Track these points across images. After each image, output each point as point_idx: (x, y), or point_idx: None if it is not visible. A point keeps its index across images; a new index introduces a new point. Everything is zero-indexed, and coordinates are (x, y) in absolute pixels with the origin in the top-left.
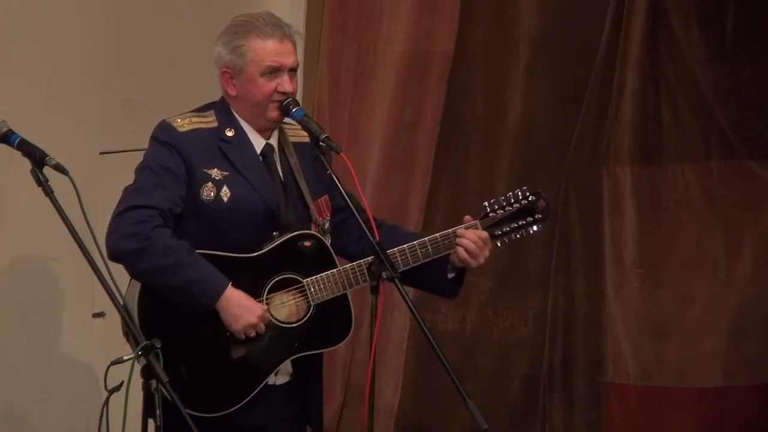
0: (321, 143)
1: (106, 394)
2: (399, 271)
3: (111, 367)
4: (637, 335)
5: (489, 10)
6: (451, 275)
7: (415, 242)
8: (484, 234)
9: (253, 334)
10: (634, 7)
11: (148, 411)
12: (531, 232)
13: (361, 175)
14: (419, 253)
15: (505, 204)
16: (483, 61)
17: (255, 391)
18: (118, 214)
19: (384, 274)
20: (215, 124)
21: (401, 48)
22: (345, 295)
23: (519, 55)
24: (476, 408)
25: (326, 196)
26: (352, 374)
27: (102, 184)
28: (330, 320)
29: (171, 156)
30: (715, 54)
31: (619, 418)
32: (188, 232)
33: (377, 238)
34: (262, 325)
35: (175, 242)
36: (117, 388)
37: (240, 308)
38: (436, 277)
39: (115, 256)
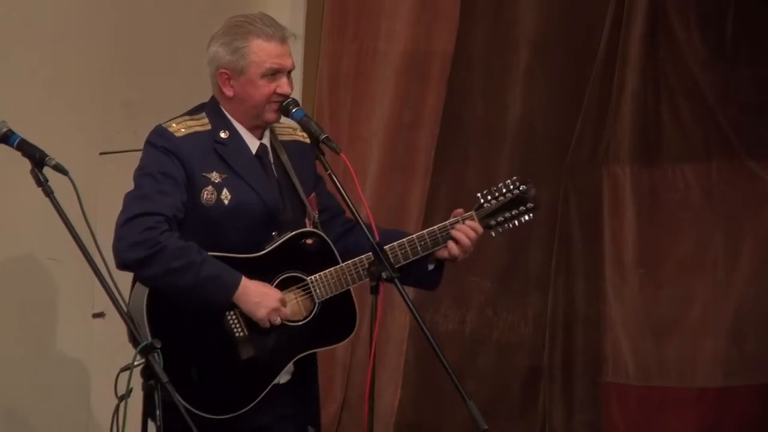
0: (321, 143)
1: (105, 394)
2: (397, 266)
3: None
4: (636, 335)
5: (489, 11)
6: (431, 266)
7: (414, 235)
8: (479, 227)
9: (278, 320)
10: (634, 7)
11: (147, 412)
12: (523, 220)
13: (361, 175)
14: (418, 247)
15: (497, 194)
16: (483, 61)
17: (265, 392)
18: (124, 223)
19: (384, 275)
20: (209, 127)
21: (401, 48)
22: (348, 291)
23: (519, 55)
24: (476, 408)
25: (314, 193)
26: (352, 374)
27: (102, 185)
28: (335, 317)
29: (171, 162)
30: (716, 54)
31: (619, 418)
32: (189, 236)
33: (377, 238)
34: (285, 309)
35: (184, 244)
36: (127, 395)
37: (259, 296)
38: (417, 270)
39: (124, 264)
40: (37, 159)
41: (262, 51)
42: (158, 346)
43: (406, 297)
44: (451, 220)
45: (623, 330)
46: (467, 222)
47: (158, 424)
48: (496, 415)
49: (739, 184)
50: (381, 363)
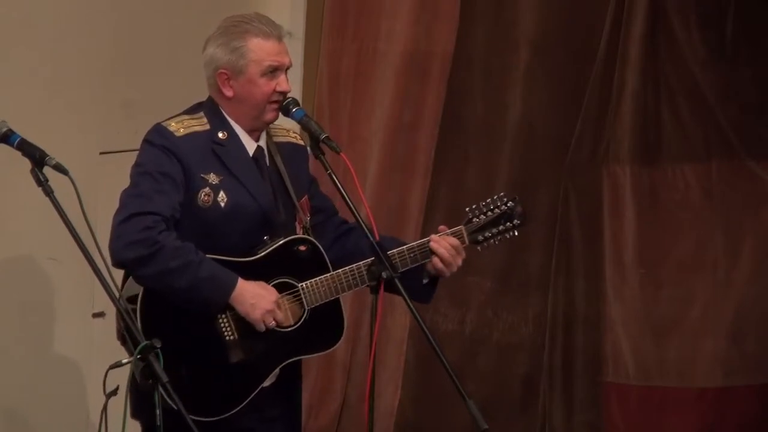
0: (321, 143)
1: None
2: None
3: (110, 371)
4: (637, 335)
5: (489, 11)
6: (425, 281)
7: (404, 246)
8: (456, 242)
9: (272, 322)
10: (634, 7)
11: (135, 412)
12: (508, 237)
13: (361, 175)
14: (407, 258)
15: (485, 209)
16: (483, 61)
17: (252, 396)
18: (122, 222)
19: (384, 274)
20: (208, 127)
21: (401, 48)
22: (338, 300)
23: (519, 55)
24: (476, 408)
25: (306, 196)
26: (352, 374)
27: (102, 184)
28: (323, 325)
29: (169, 161)
30: (715, 54)
31: (619, 418)
32: (184, 237)
33: (377, 237)
34: (279, 312)
35: (181, 244)
36: (114, 392)
37: (255, 297)
38: (410, 283)
39: (120, 263)
40: (37, 159)
41: (261, 49)
42: (158, 346)
43: (406, 297)
44: (428, 237)
45: (623, 330)
46: (444, 238)
47: (158, 424)
48: (496, 415)
49: (739, 184)
50: (381, 363)
